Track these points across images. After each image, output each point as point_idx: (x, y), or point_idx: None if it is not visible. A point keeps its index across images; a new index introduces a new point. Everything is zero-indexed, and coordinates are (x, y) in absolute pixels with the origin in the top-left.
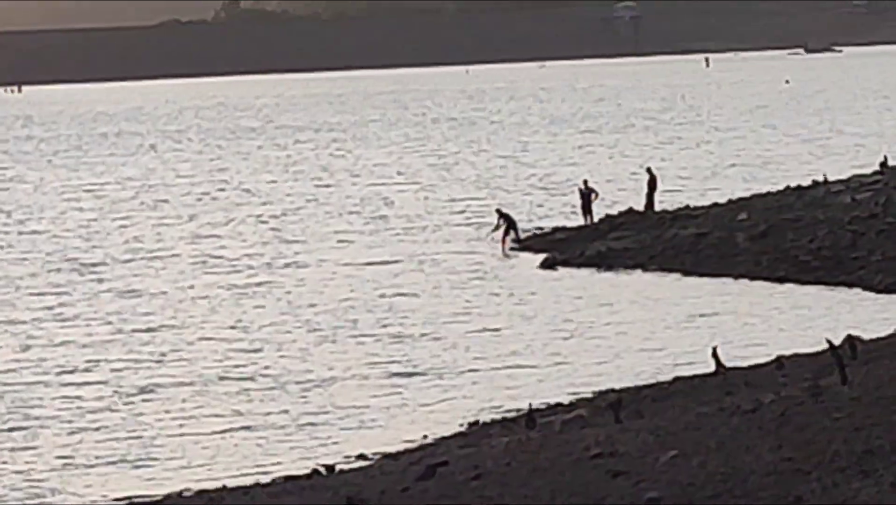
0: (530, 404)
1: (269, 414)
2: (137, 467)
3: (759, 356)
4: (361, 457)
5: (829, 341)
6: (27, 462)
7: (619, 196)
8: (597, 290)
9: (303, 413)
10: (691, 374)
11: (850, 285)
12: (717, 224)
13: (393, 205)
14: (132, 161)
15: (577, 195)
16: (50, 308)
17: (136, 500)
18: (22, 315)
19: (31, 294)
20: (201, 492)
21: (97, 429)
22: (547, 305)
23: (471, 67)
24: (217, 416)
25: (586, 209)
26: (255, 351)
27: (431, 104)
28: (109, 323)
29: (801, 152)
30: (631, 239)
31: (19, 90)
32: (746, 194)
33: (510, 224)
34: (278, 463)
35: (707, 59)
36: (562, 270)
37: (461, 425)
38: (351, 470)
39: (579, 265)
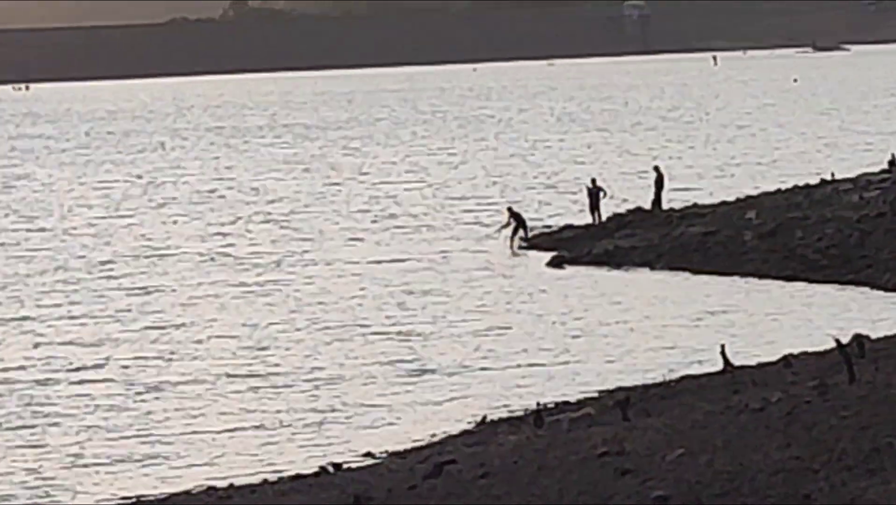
0: (538, 403)
1: (277, 412)
2: (146, 465)
3: (767, 355)
4: (369, 455)
5: (836, 340)
6: (37, 460)
7: (626, 194)
8: (604, 288)
9: (310, 411)
10: (699, 372)
11: (859, 284)
12: (725, 222)
13: (401, 203)
14: (140, 159)
15: (585, 193)
16: (58, 306)
17: (144, 498)
18: (30, 313)
19: (40, 292)
20: (209, 490)
21: (106, 427)
22: (554, 304)
23: (478, 66)
24: (225, 414)
25: (594, 207)
26: (264, 349)
27: (439, 102)
28: (118, 321)
29: (809, 151)
30: (639, 237)
31: (27, 88)
32: (754, 193)
33: (520, 223)
34: (286, 461)
35: (715, 58)
36: (569, 269)
37: (469, 424)
38: (358, 468)
39: (587, 263)
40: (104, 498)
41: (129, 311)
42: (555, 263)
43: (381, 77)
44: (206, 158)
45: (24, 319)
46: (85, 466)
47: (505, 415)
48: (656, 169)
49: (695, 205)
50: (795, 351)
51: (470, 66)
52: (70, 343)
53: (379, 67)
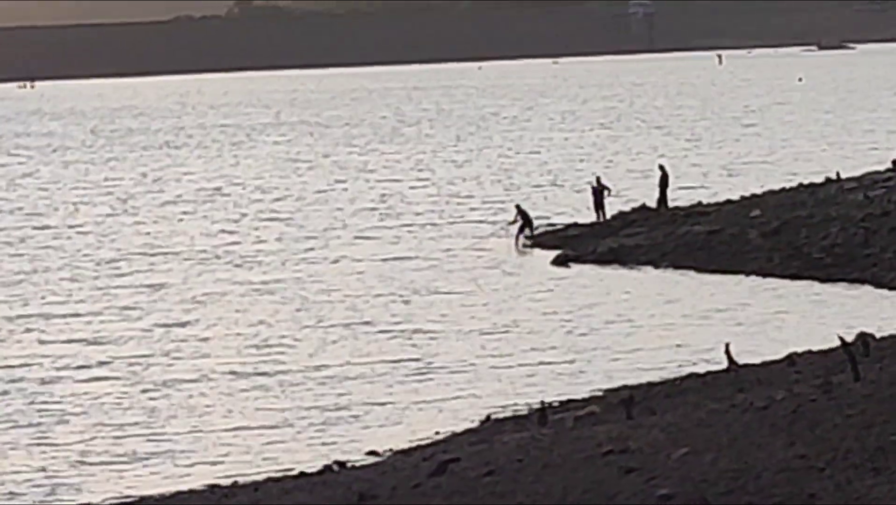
0: (542, 401)
1: (281, 410)
2: (151, 463)
3: (772, 353)
4: (373, 453)
5: (841, 338)
6: (42, 458)
7: (631, 193)
8: (609, 286)
9: (315, 409)
10: (703, 370)
11: (863, 282)
12: (729, 221)
13: (406, 201)
14: (145, 157)
15: (590, 192)
16: (64, 304)
17: (148, 496)
18: (36, 311)
19: (45, 290)
20: (213, 487)
21: (112, 424)
22: (559, 302)
23: (483, 64)
24: (230, 412)
25: (599, 206)
26: (269, 347)
27: (444, 101)
28: (124, 319)
29: (813, 149)
30: (643, 236)
31: (32, 86)
32: (759, 191)
33: (526, 221)
34: (290, 459)
35: (720, 57)
36: (574, 267)
37: (473, 422)
38: (363, 466)
39: (591, 262)
40: (109, 496)
41: (134, 309)
42: (559, 262)
43: (386, 75)
44: (211, 156)
45: (30, 316)
46: (91, 463)
47: (509, 413)
48: (661, 167)
49: (699, 203)
50: (800, 350)
51: (475, 65)
52: (75, 341)
53: (384, 65)
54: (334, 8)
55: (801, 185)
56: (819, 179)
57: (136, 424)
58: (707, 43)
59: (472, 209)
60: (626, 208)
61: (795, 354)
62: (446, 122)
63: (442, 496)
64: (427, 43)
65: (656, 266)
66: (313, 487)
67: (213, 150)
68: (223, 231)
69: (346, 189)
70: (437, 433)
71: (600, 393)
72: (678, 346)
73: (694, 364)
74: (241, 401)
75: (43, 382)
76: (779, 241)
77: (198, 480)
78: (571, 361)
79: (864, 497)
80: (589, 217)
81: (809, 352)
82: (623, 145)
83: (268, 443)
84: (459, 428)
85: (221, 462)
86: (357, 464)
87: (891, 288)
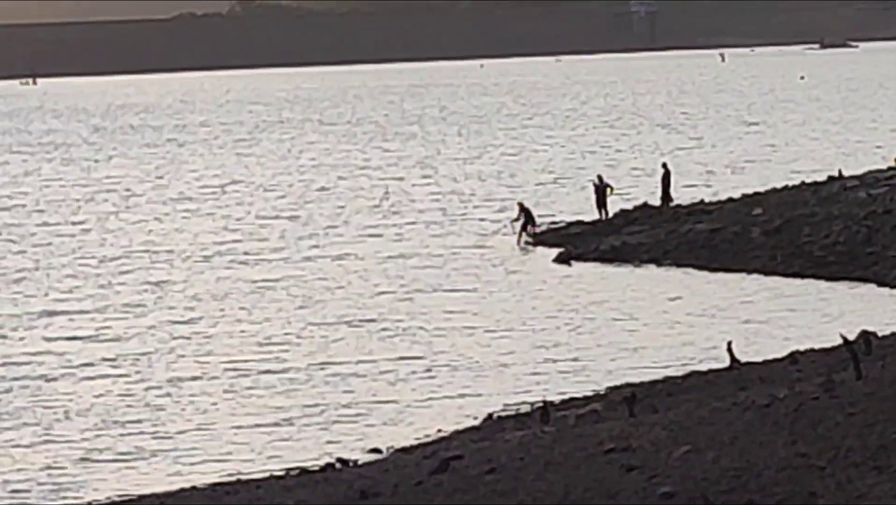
0: (544, 399)
1: (284, 407)
2: (155, 460)
3: (774, 351)
4: (375, 451)
5: (843, 337)
6: (46, 455)
7: (633, 191)
8: (611, 284)
9: (317, 407)
10: (705, 369)
11: (865, 281)
12: (731, 219)
13: (410, 199)
14: (148, 154)
15: (592, 190)
16: (68, 301)
17: (151, 493)
18: (40, 308)
19: (49, 287)
20: (215, 485)
21: (115, 422)
22: (561, 300)
23: (485, 62)
24: (233, 409)
25: (601, 204)
26: (272, 344)
27: (447, 98)
28: (127, 316)
29: (816, 147)
30: (645, 234)
31: (35, 83)
32: (761, 189)
33: (529, 218)
34: (293, 456)
35: (722, 55)
36: (577, 265)
37: (475, 419)
38: (364, 463)
39: (594, 260)
40: (113, 493)
41: (137, 306)
42: (562, 259)
43: (389, 73)
44: (214, 154)
45: (33, 314)
46: (94, 461)
47: (511, 411)
48: (664, 166)
49: (702, 201)
50: (802, 348)
51: (477, 63)
52: (78, 339)
53: (386, 63)
54: (336, 6)
55: (803, 183)
56: (821, 178)
57: (139, 421)
58: (709, 41)
59: (475, 207)
60: (629, 206)
61: (797, 352)
62: (449, 120)
63: (444, 494)
64: (429, 41)
65: (659, 264)
66: (315, 484)
67: (216, 147)
68: (226, 228)
69: (349, 186)
70: (440, 431)
71: (602, 391)
72: (680, 344)
73: (696, 362)
74: (244, 398)
75: (46, 379)
76: (781, 239)
77: (201, 477)
78: (574, 359)
79: (865, 496)
80: (591, 215)
81: (812, 350)
82: (625, 143)
83: (270, 440)
84: (461, 426)
85: (224, 459)
86: (359, 461)
87: (893, 286)
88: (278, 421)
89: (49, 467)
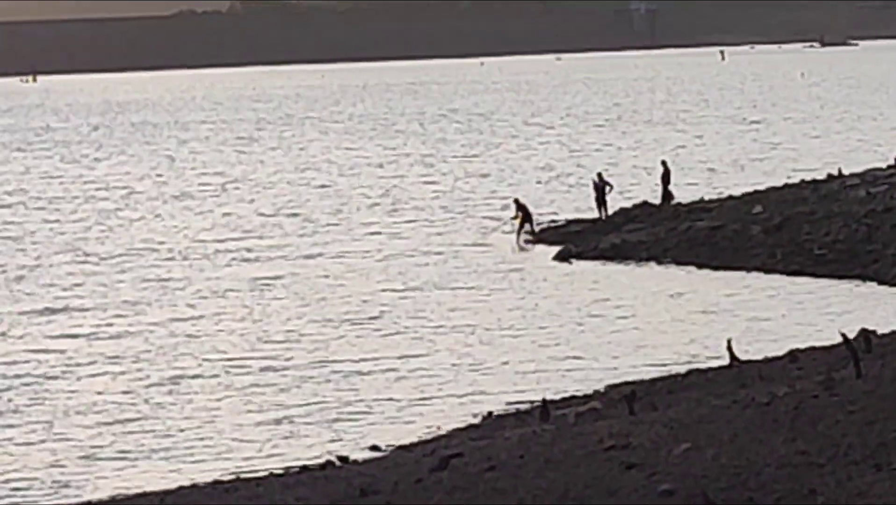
0: (544, 397)
1: (284, 405)
2: (154, 458)
3: (774, 349)
4: (375, 448)
5: (843, 335)
6: (48, 454)
7: (633, 189)
8: (611, 282)
9: (317, 404)
10: (705, 366)
11: (865, 279)
12: (731, 217)
13: (410, 197)
14: (148, 152)
15: (592, 188)
16: (69, 298)
17: (151, 491)
18: (41, 306)
19: (51, 285)
20: (215, 483)
21: (116, 420)
22: (561, 298)
23: (486, 59)
24: (234, 407)
25: (601, 202)
26: (273, 342)
27: (447, 96)
28: (130, 314)
29: (816, 146)
30: (645, 232)
31: (34, 79)
32: (761, 187)
33: (527, 216)
34: (293, 454)
35: (722, 53)
36: (576, 263)
37: (475, 417)
38: (364, 461)
39: (594, 258)
40: (115, 491)
41: (139, 304)
42: (561, 257)
43: (389, 70)
44: (215, 151)
45: (35, 312)
46: (95, 459)
47: (511, 409)
48: (663, 163)
49: (702, 199)
50: (802, 346)
51: (477, 60)
52: (80, 336)
53: (386, 61)
54: (336, 4)
55: (803, 181)
56: (821, 176)
57: (140, 419)
58: (709, 39)
59: (476, 205)
60: (628, 204)
61: (797, 350)
62: (449, 117)
63: (443, 491)
64: (429, 39)
65: (658, 262)
66: (315, 481)
67: (217, 145)
68: (227, 226)
69: (349, 184)
70: (439, 429)
71: (602, 389)
72: (680, 341)
73: (696, 360)
74: (244, 396)
75: (47, 377)
76: (781, 237)
77: (201, 475)
78: (573, 357)
79: (865, 493)
80: (591, 213)
81: (811, 348)
82: (625, 141)
83: (271, 438)
84: (461, 424)
85: (225, 457)
86: (359, 459)
87: (893, 284)
88: (279, 418)
89: (50, 465)
